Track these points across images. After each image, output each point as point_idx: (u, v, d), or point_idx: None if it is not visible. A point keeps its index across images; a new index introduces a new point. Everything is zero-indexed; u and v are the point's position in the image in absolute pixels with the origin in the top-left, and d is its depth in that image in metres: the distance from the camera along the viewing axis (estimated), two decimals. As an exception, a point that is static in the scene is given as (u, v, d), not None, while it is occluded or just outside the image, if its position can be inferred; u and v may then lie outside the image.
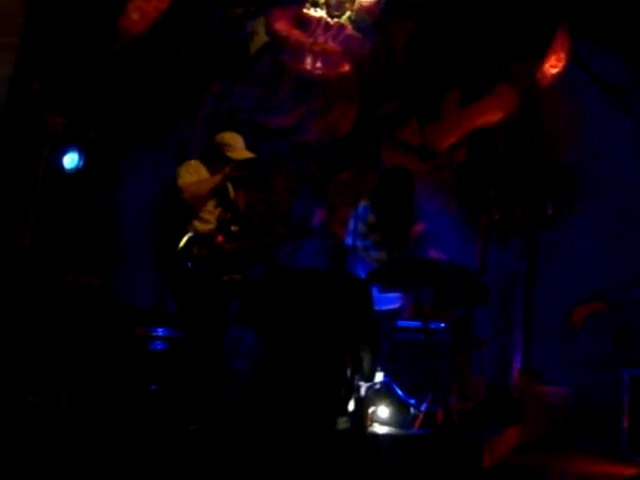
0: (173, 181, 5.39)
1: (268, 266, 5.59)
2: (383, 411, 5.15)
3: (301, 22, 6.67)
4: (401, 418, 5.17)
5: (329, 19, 6.63)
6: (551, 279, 7.61)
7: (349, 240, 5.68)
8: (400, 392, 5.32)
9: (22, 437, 4.35)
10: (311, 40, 6.74)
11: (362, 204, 5.80)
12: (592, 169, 7.61)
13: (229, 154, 5.42)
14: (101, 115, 6.51)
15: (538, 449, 6.32)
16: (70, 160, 6.40)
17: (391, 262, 5.56)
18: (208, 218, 5.34)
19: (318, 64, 6.90)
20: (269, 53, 6.99)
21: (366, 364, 5.08)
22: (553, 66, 7.19)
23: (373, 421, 5.02)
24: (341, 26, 6.68)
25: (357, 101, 7.53)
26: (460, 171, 7.83)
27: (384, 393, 5.21)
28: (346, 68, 7.06)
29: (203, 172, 5.44)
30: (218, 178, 5.34)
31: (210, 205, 5.37)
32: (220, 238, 5.24)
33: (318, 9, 6.58)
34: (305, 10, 6.58)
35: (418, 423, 5.12)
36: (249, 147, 5.54)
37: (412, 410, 5.23)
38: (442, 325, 5.80)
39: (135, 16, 6.16)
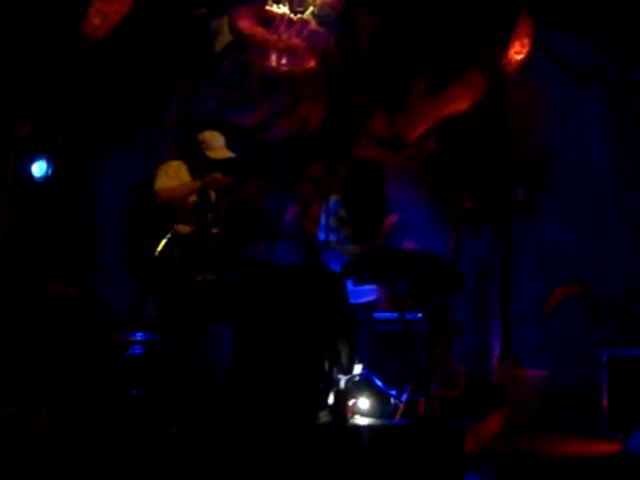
0: (149, 182, 5.35)
1: (242, 264, 5.56)
2: (364, 403, 5.17)
3: (264, 19, 6.65)
4: (382, 409, 5.19)
5: (292, 15, 6.62)
6: (525, 264, 7.66)
7: (321, 235, 5.68)
8: (380, 383, 5.33)
9: (2, 449, 4.33)
10: (275, 37, 6.73)
11: (333, 199, 5.80)
12: (561, 153, 7.67)
13: (208, 153, 5.37)
14: (68, 121, 6.47)
15: (521, 432, 6.37)
16: (39, 168, 6.36)
17: (365, 255, 5.57)
18: (188, 220, 5.28)
19: (283, 61, 6.89)
20: (234, 52, 6.97)
21: (344, 357, 5.10)
22: (517, 52, 7.23)
23: (354, 413, 5.03)
24: (304, 22, 6.67)
25: (325, 96, 7.53)
26: (431, 161, 7.86)
27: (364, 385, 5.22)
28: (312, 63, 7.05)
29: (184, 173, 5.36)
30: (196, 186, 5.28)
31: (190, 206, 5.30)
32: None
33: (281, 5, 6.57)
34: (268, 7, 6.56)
35: (399, 413, 5.14)
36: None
37: (393, 401, 5.25)
38: (419, 315, 5.81)
39: (97, 20, 6.11)
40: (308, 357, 4.84)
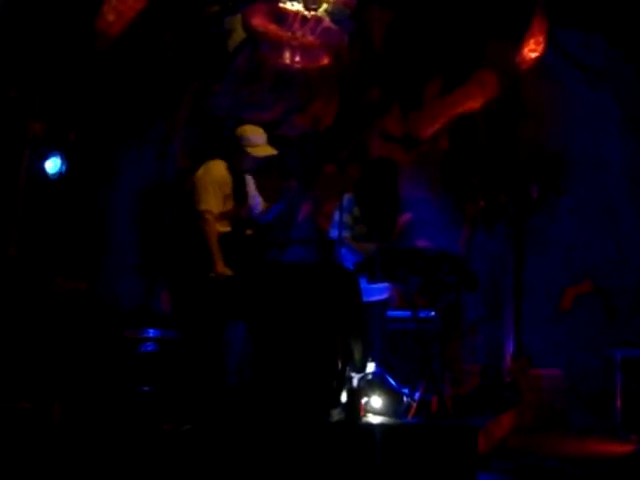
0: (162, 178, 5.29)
1: (257, 260, 5.55)
2: (376, 401, 5.15)
3: (278, 17, 6.66)
4: (395, 408, 5.17)
5: (306, 12, 6.62)
6: (539, 263, 7.62)
7: (334, 232, 5.67)
8: (393, 382, 5.32)
9: (17, 445, 4.34)
10: (289, 34, 6.72)
11: (347, 196, 5.79)
12: (576, 151, 7.62)
13: (249, 150, 5.17)
14: (81, 118, 6.49)
15: (534, 432, 6.34)
16: (52, 165, 6.40)
17: (378, 253, 5.55)
18: (224, 219, 5.15)
19: (297, 58, 6.88)
20: (247, 49, 6.97)
21: (357, 355, 5.08)
22: (532, 50, 7.20)
23: (367, 412, 5.02)
24: (318, 19, 6.67)
25: (338, 93, 7.52)
26: (444, 159, 7.84)
27: (377, 383, 5.20)
28: (325, 61, 7.05)
29: (223, 171, 5.20)
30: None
31: (226, 207, 5.17)
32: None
33: (295, 3, 6.58)
34: (281, 4, 6.57)
35: (412, 412, 5.13)
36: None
37: (405, 399, 5.24)
38: (432, 313, 5.80)
39: (111, 17, 6.13)
40: (321, 355, 4.83)
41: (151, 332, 5.86)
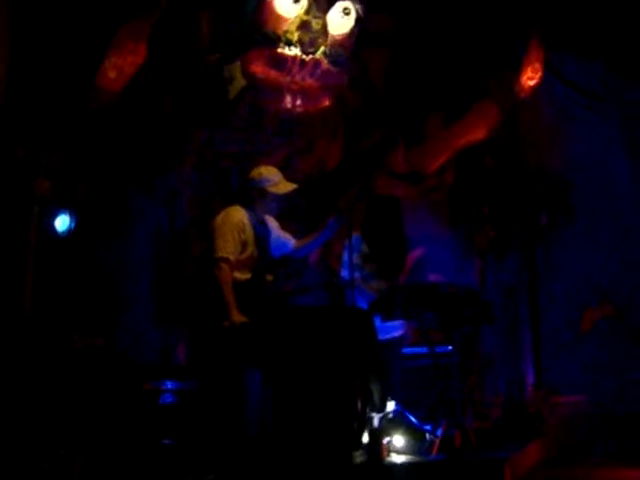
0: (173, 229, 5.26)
1: (270, 306, 5.54)
2: (398, 440, 5.12)
3: (277, 62, 6.70)
4: (418, 445, 5.13)
5: (304, 56, 6.67)
6: (553, 290, 7.58)
7: (345, 273, 5.67)
8: (414, 419, 5.28)
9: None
10: (288, 79, 6.77)
11: (355, 235, 5.80)
12: (583, 175, 7.62)
13: (272, 189, 5.22)
14: (88, 174, 6.54)
15: (562, 462, 6.26)
16: (62, 223, 6.42)
17: (391, 290, 5.54)
18: (244, 266, 5.14)
19: (298, 102, 6.93)
20: (248, 96, 7.03)
21: (376, 395, 5.05)
22: (530, 78, 7.22)
23: (389, 451, 4.98)
24: (317, 62, 6.71)
25: (341, 134, 7.57)
26: (451, 192, 7.84)
27: (398, 422, 5.18)
28: (326, 102, 7.09)
29: (243, 216, 5.21)
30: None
31: (246, 253, 5.18)
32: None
33: (292, 47, 6.61)
34: (279, 50, 6.61)
35: (435, 449, 5.08)
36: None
37: (428, 436, 5.19)
38: (449, 348, 5.76)
39: (112, 74, 6.18)
40: (340, 397, 4.80)
41: (169, 384, 5.84)
